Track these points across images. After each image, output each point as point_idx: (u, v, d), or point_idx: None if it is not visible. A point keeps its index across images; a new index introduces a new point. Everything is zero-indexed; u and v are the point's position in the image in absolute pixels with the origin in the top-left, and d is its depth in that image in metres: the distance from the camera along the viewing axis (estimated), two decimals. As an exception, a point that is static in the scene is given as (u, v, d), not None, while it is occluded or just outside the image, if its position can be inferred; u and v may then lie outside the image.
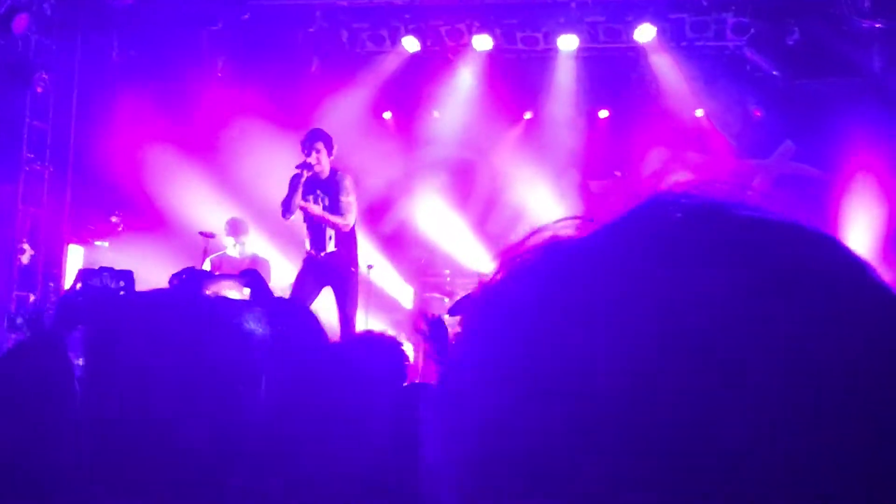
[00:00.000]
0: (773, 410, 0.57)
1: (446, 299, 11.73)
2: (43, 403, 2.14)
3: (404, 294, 13.15)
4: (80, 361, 1.80)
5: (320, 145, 9.13)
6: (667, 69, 12.61)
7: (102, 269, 3.45)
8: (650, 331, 0.60)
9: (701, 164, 13.17)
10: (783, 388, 0.57)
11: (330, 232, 9.16)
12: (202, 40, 12.24)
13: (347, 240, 9.25)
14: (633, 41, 12.34)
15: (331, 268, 9.13)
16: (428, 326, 5.04)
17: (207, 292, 5.14)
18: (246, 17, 12.32)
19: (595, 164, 13.64)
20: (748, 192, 0.69)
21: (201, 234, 10.31)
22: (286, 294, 10.35)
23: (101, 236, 12.08)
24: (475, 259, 13.38)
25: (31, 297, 11.02)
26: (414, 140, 13.72)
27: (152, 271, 8.56)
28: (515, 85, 13.23)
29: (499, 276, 0.71)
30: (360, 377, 2.31)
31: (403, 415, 2.22)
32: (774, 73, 12.10)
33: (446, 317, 11.27)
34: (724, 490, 0.56)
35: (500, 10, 12.49)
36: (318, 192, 9.17)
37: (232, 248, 10.48)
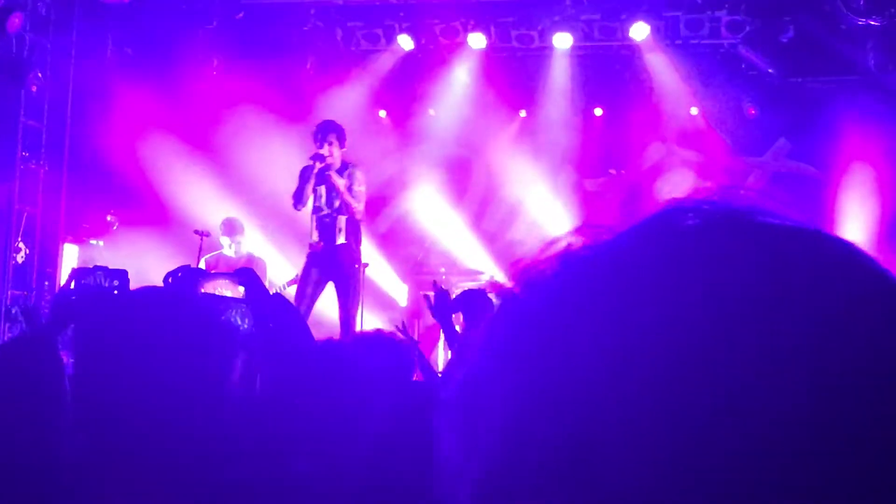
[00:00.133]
0: (794, 420, 0.57)
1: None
2: (33, 401, 2.14)
3: (399, 292, 13.15)
4: (70, 359, 1.81)
5: (333, 137, 9.14)
6: (661, 67, 12.62)
7: (96, 267, 3.44)
8: (671, 338, 0.59)
9: (696, 162, 13.19)
10: (802, 398, 0.57)
11: (341, 224, 9.14)
12: (197, 39, 12.23)
13: (356, 233, 9.26)
14: (628, 39, 12.35)
15: (337, 261, 9.10)
16: (434, 297, 5.02)
17: (203, 290, 5.14)
18: (240, 15, 12.32)
19: (590, 162, 13.66)
20: (768, 199, 0.68)
21: (196, 232, 10.29)
22: (291, 290, 10.39)
23: (97, 235, 12.06)
24: (470, 257, 13.39)
25: (26, 295, 11.01)
26: (409, 138, 13.73)
27: (148, 270, 8.57)
28: (510, 83, 13.24)
29: (518, 284, 0.71)
30: (360, 376, 2.31)
31: (405, 414, 2.22)
32: (769, 70, 12.10)
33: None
34: (744, 493, 0.56)
35: (495, 8, 12.49)
36: (334, 177, 9.18)
37: (228, 248, 10.47)
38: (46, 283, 11.34)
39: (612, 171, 13.78)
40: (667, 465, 0.57)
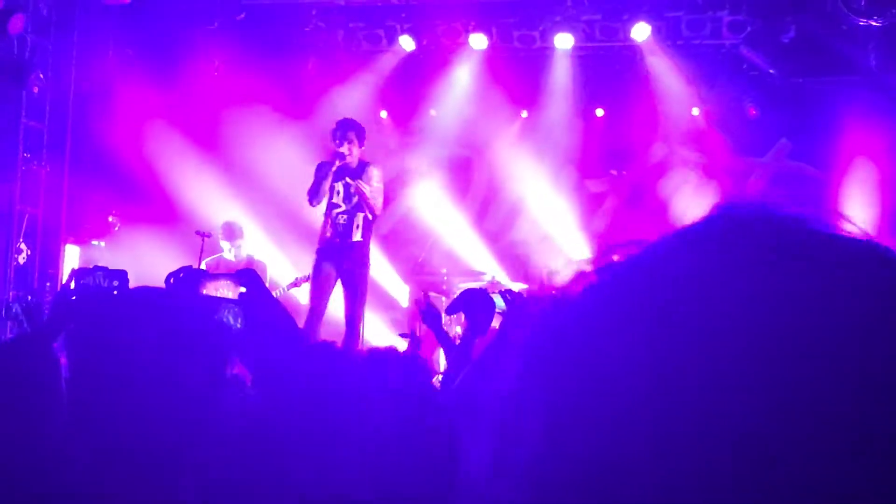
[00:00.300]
0: (853, 431, 0.56)
1: (443, 298, 11.72)
2: (29, 402, 2.14)
3: (401, 293, 13.15)
4: (66, 360, 1.81)
5: (352, 135, 9.15)
6: (663, 68, 12.62)
7: (96, 268, 3.44)
8: (716, 349, 0.59)
9: (697, 163, 13.19)
10: (859, 409, 0.57)
11: (358, 221, 9.17)
12: (198, 39, 12.23)
13: (369, 232, 9.29)
14: (630, 39, 12.34)
15: (349, 259, 9.12)
16: (421, 314, 5.05)
17: (204, 291, 5.14)
18: (242, 16, 12.32)
19: (592, 163, 13.66)
20: (825, 209, 0.68)
21: (198, 233, 10.30)
22: (293, 292, 10.40)
23: (98, 236, 12.07)
24: (472, 257, 13.38)
25: (28, 298, 11.01)
26: (411, 138, 13.74)
27: (150, 270, 8.57)
28: (512, 83, 13.23)
29: (568, 292, 0.70)
30: (367, 392, 2.30)
31: (404, 420, 2.22)
32: (770, 71, 12.10)
33: (444, 317, 11.30)
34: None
35: (497, 9, 12.49)
36: (348, 179, 9.19)
37: (228, 252, 10.50)
38: (48, 283, 11.35)
39: (614, 172, 13.78)
40: (718, 480, 0.57)
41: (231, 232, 10.57)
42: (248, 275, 3.43)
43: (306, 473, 1.90)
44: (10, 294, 10.78)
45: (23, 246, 11.11)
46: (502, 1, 12.45)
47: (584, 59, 12.97)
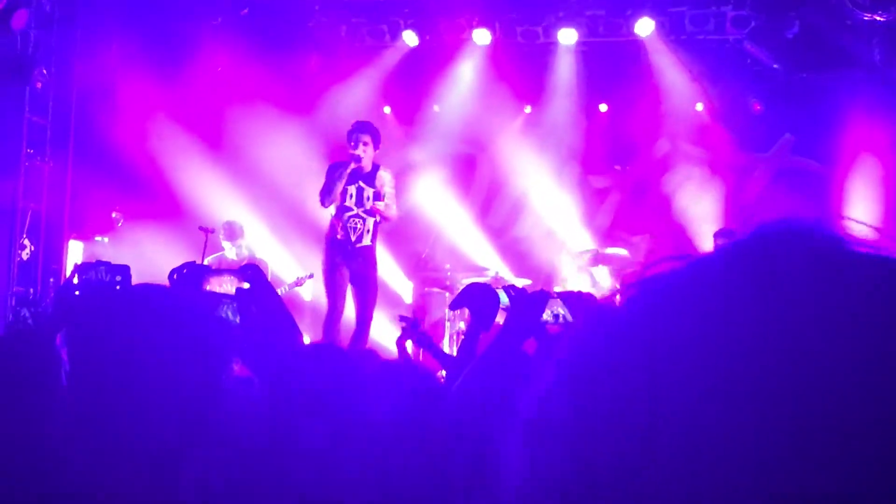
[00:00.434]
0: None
1: (447, 294, 11.72)
2: (29, 397, 2.14)
3: (404, 289, 13.15)
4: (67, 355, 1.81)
5: (368, 138, 9.17)
6: (666, 63, 12.60)
7: (99, 263, 3.44)
8: (759, 364, 0.59)
9: (701, 158, 13.18)
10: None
11: (369, 225, 9.21)
12: (202, 35, 12.23)
13: (376, 236, 9.33)
14: (633, 35, 12.32)
15: (360, 262, 9.16)
16: (404, 330, 5.09)
17: (207, 287, 5.13)
18: (245, 11, 12.32)
19: (595, 158, 13.66)
20: (867, 230, 0.68)
21: (201, 228, 10.31)
22: (308, 286, 10.44)
23: (102, 232, 12.07)
24: (476, 252, 13.38)
25: (31, 293, 11.02)
26: (414, 134, 13.73)
27: (153, 266, 8.57)
28: (515, 79, 13.23)
29: (619, 303, 0.70)
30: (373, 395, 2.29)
31: (408, 418, 2.21)
32: (774, 66, 12.08)
33: (447, 311, 11.31)
34: None
35: (500, 4, 12.48)
36: (361, 183, 9.20)
37: (229, 251, 10.52)
38: (51, 279, 11.35)
39: (617, 168, 13.77)
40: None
41: (232, 232, 10.60)
42: (252, 270, 3.43)
43: (307, 473, 1.90)
44: (14, 290, 10.78)
45: (26, 242, 11.12)
46: (505, -4, 12.45)
47: (588, 54, 12.96)
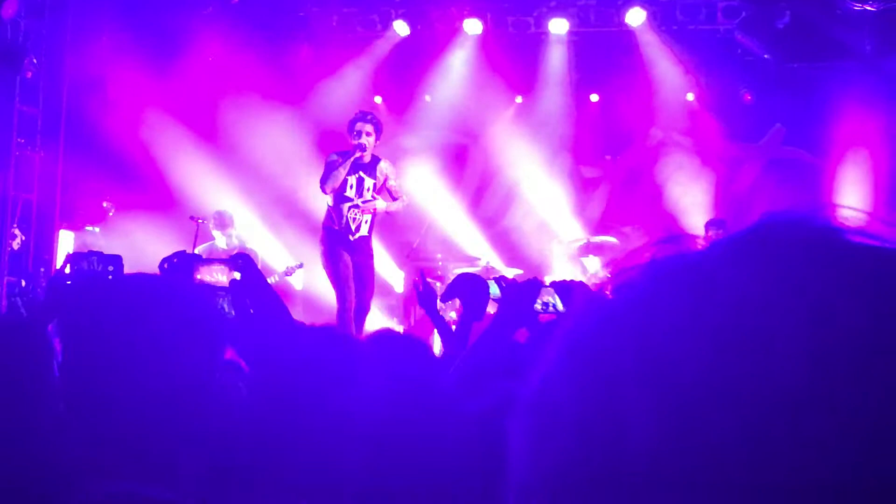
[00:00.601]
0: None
1: (438, 283, 11.73)
2: (22, 387, 2.14)
3: (395, 278, 13.15)
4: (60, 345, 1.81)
5: (371, 128, 9.15)
6: (657, 53, 12.60)
7: (91, 252, 3.44)
8: (760, 355, 0.59)
9: (692, 148, 13.19)
10: None
11: (368, 216, 9.22)
12: (193, 24, 12.19)
13: (374, 226, 9.36)
14: (624, 25, 12.32)
15: (359, 252, 9.18)
16: (418, 294, 5.05)
17: (199, 276, 5.14)
18: (236, 0, 12.28)
19: (586, 148, 13.67)
20: (868, 219, 0.67)
21: (192, 218, 10.31)
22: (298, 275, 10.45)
23: (93, 222, 12.05)
24: (467, 242, 13.39)
25: (22, 283, 11.00)
26: (405, 124, 13.71)
27: (144, 256, 8.56)
28: (507, 69, 13.21)
29: (608, 291, 0.70)
30: (370, 374, 2.30)
31: (404, 403, 2.21)
32: (765, 56, 12.10)
33: (439, 303, 11.30)
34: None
35: (491, -6, 12.48)
36: (361, 173, 9.20)
37: (220, 240, 10.51)
38: (42, 269, 11.32)
39: (608, 157, 13.78)
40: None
41: (222, 221, 10.59)
42: (242, 259, 3.43)
43: (303, 462, 1.90)
44: (5, 280, 10.76)
45: (17, 231, 11.09)
46: (497, -14, 12.43)
47: (579, 44, 12.96)
